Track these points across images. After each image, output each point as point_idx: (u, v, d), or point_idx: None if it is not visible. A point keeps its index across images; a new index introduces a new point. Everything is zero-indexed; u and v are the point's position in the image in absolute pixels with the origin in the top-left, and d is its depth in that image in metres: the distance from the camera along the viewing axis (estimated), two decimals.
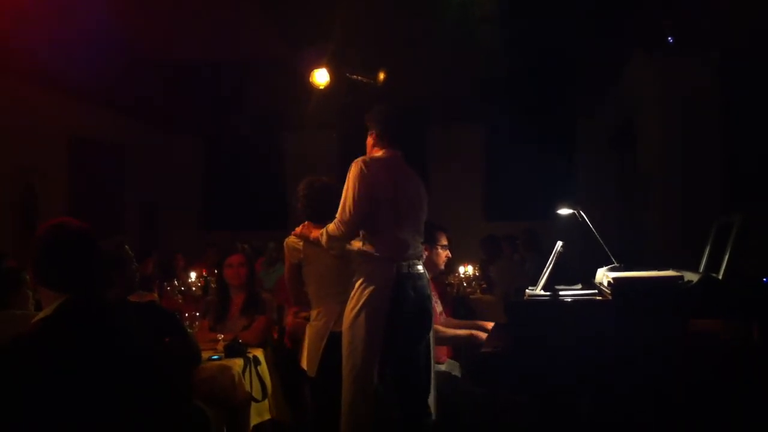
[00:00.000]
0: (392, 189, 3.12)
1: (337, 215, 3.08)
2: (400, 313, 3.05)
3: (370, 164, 3.12)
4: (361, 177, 3.06)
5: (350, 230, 3.06)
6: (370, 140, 3.33)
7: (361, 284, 3.07)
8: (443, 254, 3.89)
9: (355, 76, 6.07)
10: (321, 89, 6.11)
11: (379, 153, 3.24)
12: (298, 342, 3.62)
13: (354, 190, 3.05)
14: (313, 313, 3.41)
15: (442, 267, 3.98)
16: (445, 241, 3.90)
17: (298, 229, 3.41)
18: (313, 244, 3.31)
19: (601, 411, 2.79)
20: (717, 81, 5.96)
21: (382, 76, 6.04)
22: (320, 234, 3.16)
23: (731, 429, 2.68)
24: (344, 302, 3.17)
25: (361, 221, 3.06)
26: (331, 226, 3.10)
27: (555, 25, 5.77)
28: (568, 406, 2.85)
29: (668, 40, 4.99)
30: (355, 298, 3.07)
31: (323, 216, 3.32)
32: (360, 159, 3.14)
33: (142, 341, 2.12)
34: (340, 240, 3.10)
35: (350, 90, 6.26)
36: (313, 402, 3.43)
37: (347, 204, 3.05)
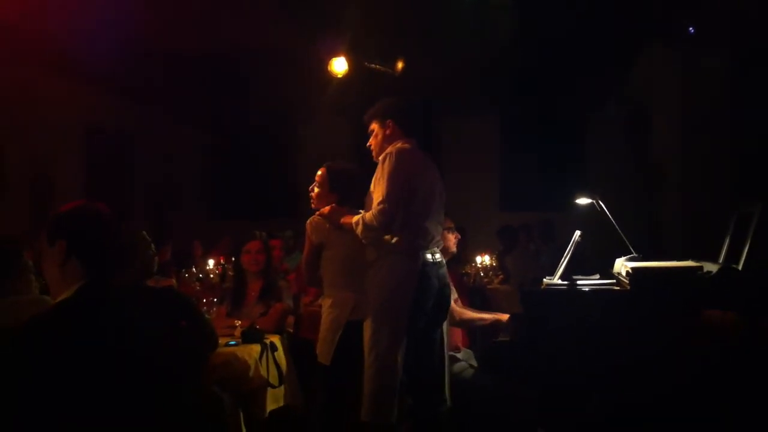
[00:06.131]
0: (422, 179, 3.09)
1: (377, 205, 2.97)
2: (424, 303, 3.03)
3: (406, 154, 3.05)
4: (402, 167, 3.00)
5: (391, 221, 2.96)
6: (378, 133, 3.25)
7: (386, 274, 3.03)
8: (452, 237, 3.76)
9: (373, 65, 6.04)
10: (337, 78, 6.09)
11: (399, 143, 3.16)
12: (315, 332, 3.60)
13: (395, 180, 2.97)
14: (327, 302, 3.33)
15: (454, 249, 3.83)
16: (449, 224, 3.75)
17: (325, 209, 3.27)
18: (338, 227, 3.22)
19: (615, 401, 2.78)
20: (731, 70, 5.89)
21: (400, 65, 6.00)
22: (355, 223, 3.06)
23: (748, 422, 2.66)
24: (358, 291, 3.14)
25: (398, 212, 2.98)
26: (369, 216, 2.98)
27: (569, 14, 5.73)
28: (581, 396, 2.83)
29: (689, 31, 4.92)
30: (380, 287, 3.03)
31: (349, 200, 3.29)
32: (395, 149, 3.07)
33: (158, 325, 2.13)
34: (378, 231, 3.00)
35: (367, 79, 6.24)
36: (324, 389, 3.40)
37: (388, 195, 2.95)
